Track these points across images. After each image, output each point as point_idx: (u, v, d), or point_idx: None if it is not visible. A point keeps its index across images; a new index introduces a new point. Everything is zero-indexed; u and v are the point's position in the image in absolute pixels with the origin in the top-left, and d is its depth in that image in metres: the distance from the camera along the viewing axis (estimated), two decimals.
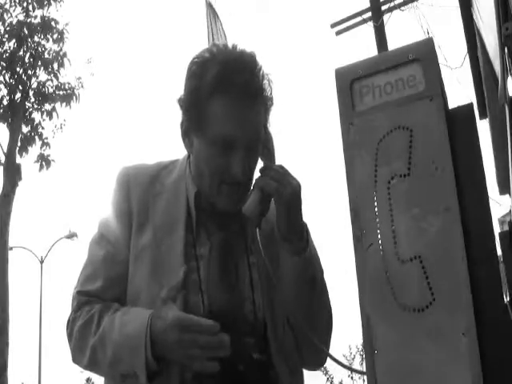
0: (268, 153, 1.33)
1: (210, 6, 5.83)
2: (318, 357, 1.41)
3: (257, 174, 1.34)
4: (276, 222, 1.31)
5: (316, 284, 1.35)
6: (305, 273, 1.32)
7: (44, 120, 10.62)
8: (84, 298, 1.35)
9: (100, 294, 1.34)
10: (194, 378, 1.25)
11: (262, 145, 1.33)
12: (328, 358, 1.38)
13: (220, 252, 1.36)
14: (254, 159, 1.33)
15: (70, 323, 1.35)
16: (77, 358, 1.34)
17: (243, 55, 1.30)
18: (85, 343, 1.30)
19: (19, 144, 10.22)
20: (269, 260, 1.28)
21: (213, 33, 5.70)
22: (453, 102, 1.17)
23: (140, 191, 1.38)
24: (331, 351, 1.35)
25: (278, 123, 1.41)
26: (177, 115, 1.37)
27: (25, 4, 10.45)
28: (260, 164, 1.34)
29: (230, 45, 1.31)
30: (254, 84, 1.27)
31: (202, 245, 1.35)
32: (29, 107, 10.52)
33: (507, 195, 8.49)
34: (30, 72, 10.42)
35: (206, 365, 1.18)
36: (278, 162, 1.35)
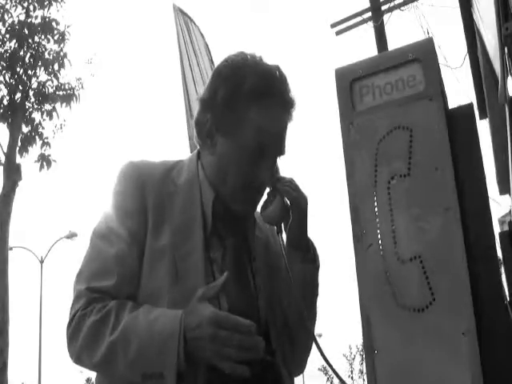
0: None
1: (179, 11, 5.77)
2: (301, 364, 1.48)
3: None
4: (288, 231, 1.38)
5: (317, 290, 1.44)
6: (313, 280, 1.41)
7: (44, 120, 10.60)
8: (95, 295, 1.27)
9: (113, 292, 1.28)
10: (218, 380, 1.21)
11: None
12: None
13: (233, 256, 1.38)
14: (275, 168, 1.40)
15: (76, 320, 1.26)
16: (83, 357, 1.26)
17: (279, 68, 1.36)
18: (100, 340, 1.23)
19: (19, 144, 10.21)
20: (269, 266, 1.37)
21: (185, 39, 5.65)
22: (453, 102, 1.17)
23: (155, 189, 1.35)
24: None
25: None
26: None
27: (25, 4, 10.43)
28: None
29: (256, 55, 1.37)
30: (289, 97, 1.35)
31: (215, 249, 1.35)
32: (29, 107, 10.50)
33: (507, 195, 8.48)
34: (30, 72, 10.40)
35: (236, 367, 1.15)
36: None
